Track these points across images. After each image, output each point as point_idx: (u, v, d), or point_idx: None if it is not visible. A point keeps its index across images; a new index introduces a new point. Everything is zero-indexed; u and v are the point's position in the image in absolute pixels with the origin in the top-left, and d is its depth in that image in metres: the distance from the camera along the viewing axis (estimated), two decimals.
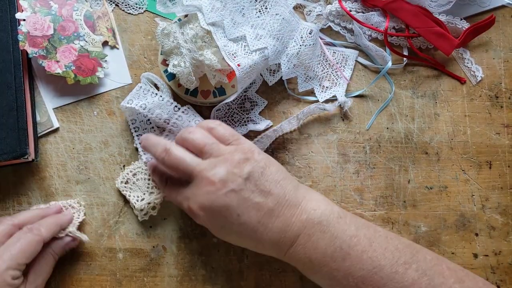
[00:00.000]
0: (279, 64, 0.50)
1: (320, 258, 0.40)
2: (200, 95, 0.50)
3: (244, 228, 0.40)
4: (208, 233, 0.51)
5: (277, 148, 0.52)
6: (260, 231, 0.40)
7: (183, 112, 0.50)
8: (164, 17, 0.54)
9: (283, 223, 0.40)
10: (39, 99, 0.53)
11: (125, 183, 0.50)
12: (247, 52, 0.46)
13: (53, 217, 0.47)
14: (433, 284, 0.38)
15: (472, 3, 0.54)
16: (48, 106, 0.53)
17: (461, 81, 0.53)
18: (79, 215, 0.49)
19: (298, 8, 0.54)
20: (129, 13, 0.54)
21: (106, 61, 0.53)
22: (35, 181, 0.52)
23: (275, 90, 0.53)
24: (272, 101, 0.53)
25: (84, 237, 0.48)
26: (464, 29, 0.52)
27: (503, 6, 0.54)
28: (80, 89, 0.53)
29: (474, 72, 0.53)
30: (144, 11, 0.54)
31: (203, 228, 0.51)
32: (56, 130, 0.53)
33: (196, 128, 0.44)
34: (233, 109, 0.52)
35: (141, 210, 0.49)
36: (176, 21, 0.49)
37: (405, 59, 0.53)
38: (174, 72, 0.47)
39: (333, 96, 0.53)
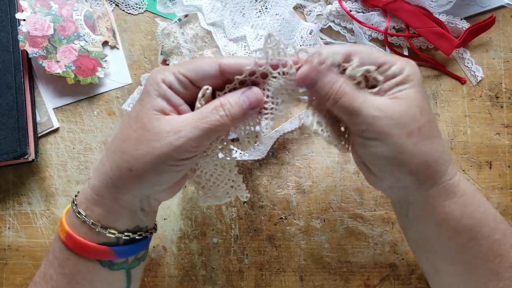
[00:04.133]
0: None
1: (474, 214, 0.35)
2: None
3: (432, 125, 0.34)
4: (208, 233, 0.51)
5: (278, 148, 0.52)
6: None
7: None
8: (164, 17, 0.54)
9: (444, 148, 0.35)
10: (39, 99, 0.53)
11: None
12: (247, 52, 0.46)
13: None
14: None
15: (472, 3, 0.54)
16: (48, 106, 0.53)
17: (461, 81, 0.53)
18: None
19: (298, 8, 0.54)
20: (129, 13, 0.54)
21: (106, 61, 0.53)
22: (35, 181, 0.52)
23: None
24: None
25: None
26: (464, 29, 0.52)
27: (503, 6, 0.54)
28: (80, 89, 0.53)
29: (474, 72, 0.53)
30: (144, 11, 0.54)
31: (203, 228, 0.51)
32: (56, 130, 0.53)
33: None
34: None
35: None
36: (176, 21, 0.49)
37: None
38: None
39: None
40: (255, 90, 0.33)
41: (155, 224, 0.41)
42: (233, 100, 0.33)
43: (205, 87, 0.33)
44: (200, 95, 0.33)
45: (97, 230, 0.35)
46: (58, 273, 0.36)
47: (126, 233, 0.36)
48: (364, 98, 0.33)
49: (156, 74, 0.34)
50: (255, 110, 0.34)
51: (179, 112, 0.34)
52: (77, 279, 0.36)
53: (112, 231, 0.35)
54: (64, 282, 0.36)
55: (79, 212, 0.36)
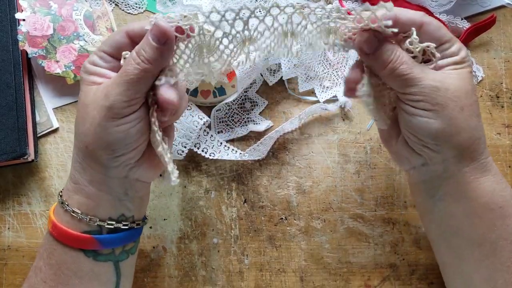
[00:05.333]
0: (280, 64, 0.50)
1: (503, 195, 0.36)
2: (200, 95, 0.50)
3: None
4: (208, 233, 0.51)
5: (278, 148, 0.52)
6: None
7: (187, 109, 0.50)
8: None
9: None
10: (38, 99, 0.52)
11: None
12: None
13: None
14: None
15: (473, 3, 0.54)
16: (47, 106, 0.52)
17: None
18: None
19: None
20: (129, 13, 0.54)
21: None
22: (34, 181, 0.52)
23: (275, 90, 0.53)
24: (273, 101, 0.53)
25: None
26: (465, 29, 0.52)
27: (504, 6, 0.54)
28: (79, 89, 0.53)
29: (475, 72, 0.53)
30: (144, 11, 0.54)
31: (203, 229, 0.51)
32: (56, 130, 0.53)
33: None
34: (233, 109, 0.52)
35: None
36: None
37: None
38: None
39: (334, 96, 0.53)
40: (158, 22, 0.32)
41: (145, 217, 0.41)
42: (145, 44, 0.33)
43: (124, 52, 0.35)
44: (121, 61, 0.35)
45: (78, 218, 0.35)
46: (46, 264, 0.37)
47: (109, 222, 0.36)
48: (422, 69, 0.34)
49: (84, 61, 0.36)
50: (167, 44, 0.33)
51: (109, 77, 0.35)
52: (62, 269, 0.36)
53: (93, 218, 0.35)
54: (51, 273, 0.36)
55: (62, 202, 0.36)
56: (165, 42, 0.32)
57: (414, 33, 0.34)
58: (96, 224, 0.36)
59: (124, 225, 0.37)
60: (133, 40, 0.34)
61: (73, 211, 0.36)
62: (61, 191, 0.38)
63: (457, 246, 0.38)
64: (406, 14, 0.34)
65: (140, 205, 0.39)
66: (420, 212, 0.42)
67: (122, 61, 0.35)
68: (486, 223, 0.36)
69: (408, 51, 0.34)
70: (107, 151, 0.34)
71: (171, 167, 0.36)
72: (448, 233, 0.38)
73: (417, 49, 0.34)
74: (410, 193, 0.42)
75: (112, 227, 0.36)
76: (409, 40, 0.34)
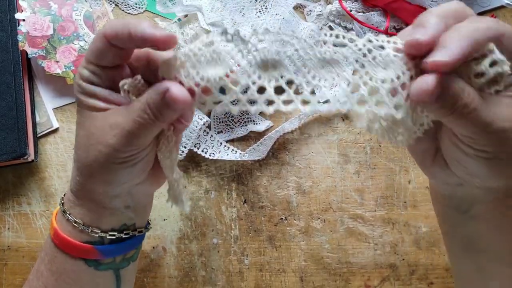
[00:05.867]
0: None
1: None
2: None
3: None
4: (208, 234, 0.51)
5: (278, 148, 0.52)
6: None
7: None
8: (164, 17, 0.54)
9: None
10: (38, 100, 0.52)
11: None
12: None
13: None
14: None
15: (473, 3, 0.54)
16: (47, 106, 0.52)
17: None
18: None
19: (298, 8, 0.54)
20: (129, 13, 0.54)
21: None
22: (34, 182, 0.52)
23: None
24: None
25: None
26: None
27: (503, 6, 0.54)
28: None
29: None
30: (144, 11, 0.54)
31: (203, 229, 0.51)
32: (56, 130, 0.53)
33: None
34: None
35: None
36: (176, 21, 0.49)
37: None
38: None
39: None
40: (172, 91, 0.27)
41: (148, 222, 0.40)
42: (154, 96, 0.28)
43: (121, 83, 0.29)
44: (121, 93, 0.30)
45: (80, 228, 0.35)
46: (48, 269, 0.36)
47: (111, 233, 0.35)
48: (489, 105, 0.26)
49: (76, 75, 0.31)
50: (183, 110, 0.28)
51: (113, 102, 0.31)
52: (63, 277, 0.35)
53: (95, 230, 0.35)
54: (52, 280, 0.36)
55: (64, 211, 0.35)
56: (182, 108, 0.28)
57: (496, 51, 0.25)
58: (98, 235, 0.35)
59: (126, 233, 0.36)
60: (114, 45, 0.29)
61: (75, 221, 0.35)
62: (62, 198, 0.37)
63: (484, 263, 0.34)
64: (480, 26, 0.25)
65: (143, 213, 0.38)
66: (444, 226, 0.37)
67: (122, 93, 0.30)
68: None
69: (476, 75, 0.26)
70: (114, 182, 0.33)
71: (184, 197, 0.34)
72: (473, 250, 0.34)
73: (497, 72, 0.25)
74: (431, 199, 0.39)
75: (114, 237, 0.35)
76: (487, 60, 0.25)
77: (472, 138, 0.27)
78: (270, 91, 0.26)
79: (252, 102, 0.26)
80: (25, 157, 0.48)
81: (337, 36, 0.27)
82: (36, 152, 0.51)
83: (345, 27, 0.54)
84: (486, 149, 0.27)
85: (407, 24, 0.52)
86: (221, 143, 0.51)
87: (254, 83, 0.27)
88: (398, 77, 0.26)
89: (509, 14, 0.54)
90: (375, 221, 0.51)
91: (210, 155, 0.51)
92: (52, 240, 0.36)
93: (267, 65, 0.27)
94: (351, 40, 0.27)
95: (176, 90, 0.27)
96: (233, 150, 0.51)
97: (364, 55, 0.26)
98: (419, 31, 0.26)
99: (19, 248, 0.51)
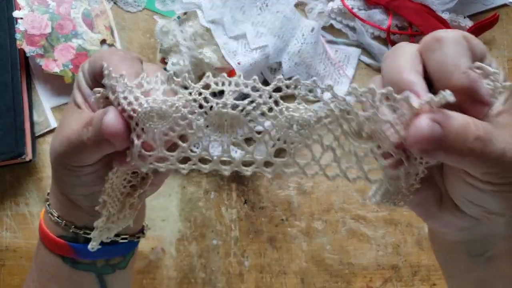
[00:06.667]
0: (280, 62, 0.49)
1: None
2: None
3: None
4: (207, 235, 0.50)
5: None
6: None
7: None
8: (163, 14, 0.53)
9: None
10: (36, 99, 0.52)
11: None
12: (247, 50, 0.46)
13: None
14: None
15: (476, 1, 0.54)
16: (45, 106, 0.52)
17: None
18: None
19: (299, 5, 0.54)
20: (128, 11, 0.54)
21: None
22: (32, 182, 0.51)
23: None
24: None
25: None
26: (468, 27, 0.52)
27: (506, 5, 0.54)
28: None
29: None
30: (143, 9, 0.54)
31: (202, 230, 0.51)
32: (54, 129, 0.52)
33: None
34: None
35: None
36: (175, 19, 0.48)
37: None
38: (173, 70, 0.46)
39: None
40: (110, 116, 0.25)
41: (143, 231, 0.37)
42: (96, 120, 0.26)
43: (95, 89, 0.27)
44: (92, 99, 0.28)
45: (53, 220, 0.33)
46: (34, 262, 0.35)
47: (86, 231, 0.33)
48: (497, 134, 0.23)
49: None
50: (114, 145, 0.26)
51: (90, 106, 0.30)
52: (44, 271, 0.34)
53: (69, 224, 0.33)
54: (36, 273, 0.35)
55: (46, 200, 0.34)
56: (111, 138, 0.25)
57: (494, 64, 0.24)
58: (71, 230, 0.33)
59: (107, 237, 0.33)
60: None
61: (51, 213, 0.33)
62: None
63: None
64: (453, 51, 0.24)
65: (124, 221, 0.34)
66: (451, 271, 0.34)
67: (92, 99, 0.28)
68: None
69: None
70: (64, 182, 0.31)
71: (101, 236, 0.31)
72: None
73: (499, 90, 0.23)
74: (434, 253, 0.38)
75: (89, 236, 0.32)
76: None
77: (489, 173, 0.24)
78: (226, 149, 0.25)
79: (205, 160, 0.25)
80: (23, 157, 0.48)
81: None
82: (34, 151, 0.50)
83: (347, 25, 0.53)
84: (505, 181, 0.24)
85: (409, 22, 0.52)
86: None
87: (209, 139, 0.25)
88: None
89: None
90: (377, 222, 0.51)
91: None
92: (38, 232, 0.35)
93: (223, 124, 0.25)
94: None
95: (111, 117, 0.25)
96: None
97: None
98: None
99: (17, 248, 0.51)
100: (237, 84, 0.24)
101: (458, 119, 0.22)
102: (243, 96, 0.24)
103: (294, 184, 0.51)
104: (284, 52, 0.48)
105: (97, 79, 0.29)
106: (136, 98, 0.24)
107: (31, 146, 0.50)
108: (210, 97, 0.24)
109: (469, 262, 0.31)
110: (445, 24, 0.51)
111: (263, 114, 0.24)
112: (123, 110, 0.24)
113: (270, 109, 0.24)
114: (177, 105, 0.24)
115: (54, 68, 0.50)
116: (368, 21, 0.52)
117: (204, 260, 0.50)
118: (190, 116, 0.24)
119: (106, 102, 0.27)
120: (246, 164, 0.25)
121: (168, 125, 0.24)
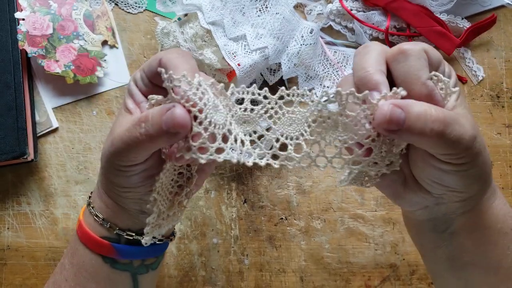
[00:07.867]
0: (280, 63, 0.50)
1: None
2: None
3: None
4: (208, 234, 0.51)
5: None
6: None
7: None
8: (163, 16, 0.54)
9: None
10: (38, 99, 0.52)
11: None
12: (247, 51, 0.46)
13: None
14: None
15: (473, 3, 0.54)
16: (47, 106, 0.52)
17: (462, 80, 0.53)
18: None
19: (298, 7, 0.54)
20: (129, 12, 0.54)
21: (105, 60, 0.52)
22: (34, 181, 0.52)
23: (275, 90, 0.53)
24: None
25: None
26: (465, 28, 0.52)
27: (504, 6, 0.54)
28: (79, 89, 0.53)
29: (475, 71, 0.53)
30: (144, 10, 0.54)
31: (202, 229, 0.51)
32: (56, 130, 0.52)
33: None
34: None
35: None
36: (175, 20, 0.49)
37: None
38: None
39: None
40: (178, 110, 0.27)
41: (174, 233, 0.39)
42: (155, 115, 0.28)
43: (150, 96, 0.31)
44: (146, 105, 0.31)
45: (99, 222, 0.35)
46: (70, 262, 0.37)
47: (128, 232, 0.35)
48: (454, 121, 0.27)
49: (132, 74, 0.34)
50: (176, 136, 0.27)
51: (141, 110, 0.33)
52: (81, 271, 0.36)
53: (113, 226, 0.35)
54: (72, 272, 0.36)
55: (89, 203, 0.36)
56: (175, 132, 0.27)
57: (447, 68, 0.31)
58: (115, 232, 0.35)
59: (158, 234, 0.35)
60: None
61: (96, 215, 0.35)
62: (92, 191, 0.37)
63: (469, 278, 0.34)
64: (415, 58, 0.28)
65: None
66: (423, 249, 0.38)
67: (147, 105, 0.31)
68: (501, 248, 0.33)
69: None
70: (116, 184, 0.33)
71: (156, 231, 0.33)
72: (458, 266, 0.35)
73: (445, 85, 0.29)
74: (409, 233, 0.39)
75: (131, 238, 0.35)
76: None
77: (449, 154, 0.28)
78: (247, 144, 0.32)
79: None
80: (25, 157, 0.48)
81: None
82: (35, 151, 0.51)
83: (346, 27, 0.54)
84: (463, 161, 0.28)
85: (407, 24, 0.52)
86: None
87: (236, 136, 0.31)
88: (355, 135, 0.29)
89: (509, 14, 0.54)
90: (376, 221, 0.51)
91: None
92: (77, 232, 0.36)
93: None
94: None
95: (180, 111, 0.27)
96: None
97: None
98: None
99: (18, 248, 0.51)
100: (253, 94, 0.32)
101: (417, 104, 0.27)
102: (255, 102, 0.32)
103: (294, 183, 0.52)
104: (283, 53, 0.48)
105: (151, 80, 0.33)
106: (201, 98, 0.28)
107: (33, 146, 0.50)
108: (249, 104, 0.32)
109: (436, 238, 0.34)
110: (443, 26, 0.51)
111: (270, 116, 0.32)
112: (190, 105, 0.28)
113: (276, 112, 0.32)
114: (228, 105, 0.30)
115: (56, 68, 0.50)
116: (366, 23, 0.52)
117: (204, 258, 0.51)
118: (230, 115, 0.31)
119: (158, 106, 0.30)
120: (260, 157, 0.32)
121: (222, 121, 0.29)
